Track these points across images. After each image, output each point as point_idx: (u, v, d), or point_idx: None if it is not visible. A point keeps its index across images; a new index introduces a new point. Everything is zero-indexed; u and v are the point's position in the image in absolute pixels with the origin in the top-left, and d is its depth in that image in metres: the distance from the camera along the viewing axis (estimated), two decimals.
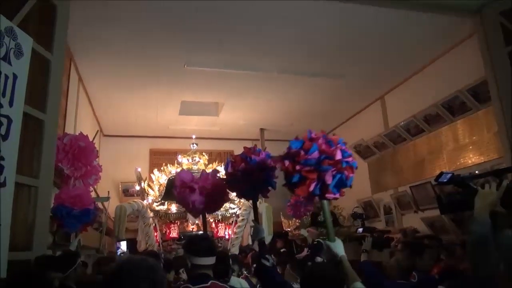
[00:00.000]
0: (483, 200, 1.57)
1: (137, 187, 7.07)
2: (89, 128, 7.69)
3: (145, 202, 6.32)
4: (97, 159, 4.09)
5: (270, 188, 2.81)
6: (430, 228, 5.61)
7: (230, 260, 4.22)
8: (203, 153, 7.21)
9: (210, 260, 2.28)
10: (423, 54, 5.59)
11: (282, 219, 8.12)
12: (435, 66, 5.73)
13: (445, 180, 1.75)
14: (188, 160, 7.04)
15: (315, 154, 2.25)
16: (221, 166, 6.96)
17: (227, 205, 6.61)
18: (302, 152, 2.27)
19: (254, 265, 4.64)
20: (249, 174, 2.68)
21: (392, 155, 6.81)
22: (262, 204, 6.49)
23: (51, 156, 2.97)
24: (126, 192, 8.43)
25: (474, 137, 5.04)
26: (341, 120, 8.44)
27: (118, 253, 3.27)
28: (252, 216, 6.42)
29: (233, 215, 6.67)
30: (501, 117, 4.20)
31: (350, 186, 2.42)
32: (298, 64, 5.72)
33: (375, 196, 7.22)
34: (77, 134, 4.03)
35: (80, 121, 6.21)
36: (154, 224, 6.39)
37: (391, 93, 6.82)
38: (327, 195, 2.24)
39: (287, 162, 2.28)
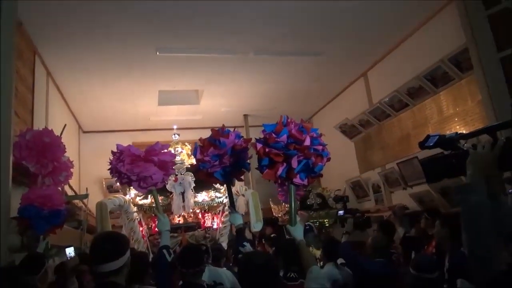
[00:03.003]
0: (476, 164, 1.30)
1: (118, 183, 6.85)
2: (67, 126, 7.44)
3: (127, 197, 6.12)
4: (66, 155, 3.87)
5: (244, 170, 2.67)
6: (420, 204, 5.51)
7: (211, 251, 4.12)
8: (185, 143, 7.01)
9: (111, 265, 1.81)
10: (402, 26, 5.42)
11: (272, 205, 8.00)
12: (415, 38, 5.56)
13: (431, 144, 1.48)
14: (170, 151, 6.82)
15: (284, 138, 2.17)
16: None
17: (212, 194, 6.45)
18: (273, 135, 2.17)
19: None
20: (219, 158, 2.53)
21: (377, 132, 6.68)
22: (247, 191, 6.34)
23: (6, 152, 2.78)
24: (111, 188, 8.23)
25: (458, 108, 4.92)
26: (325, 100, 8.27)
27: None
28: (241, 204, 6.33)
29: (220, 204, 6.50)
30: (483, 84, 4.08)
31: (319, 175, 2.33)
32: (274, 43, 5.51)
33: (364, 175, 7.12)
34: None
35: (55, 118, 5.97)
36: (139, 219, 6.20)
37: (374, 69, 6.65)
38: (294, 180, 2.16)
39: (259, 145, 2.18)
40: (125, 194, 6.26)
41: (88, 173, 8.01)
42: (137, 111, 7.71)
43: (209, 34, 5.09)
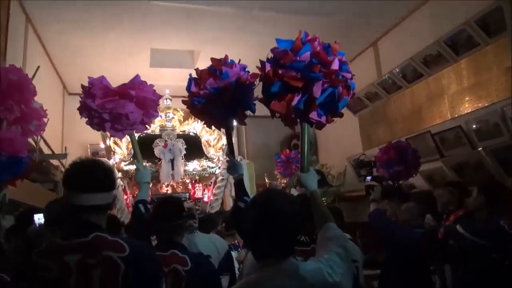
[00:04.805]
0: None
1: (102, 145, 6.35)
2: (51, 86, 6.88)
3: (111, 161, 5.62)
4: (35, 100, 3.32)
5: (247, 113, 2.18)
6: (429, 182, 5.09)
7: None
8: (178, 109, 6.48)
9: (97, 199, 1.42)
10: None
11: (267, 181, 7.55)
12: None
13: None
14: (161, 116, 6.31)
15: (306, 56, 1.64)
16: (197, 122, 6.30)
17: (204, 163, 5.99)
18: (290, 53, 1.66)
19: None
20: (219, 92, 2.02)
21: (385, 106, 6.20)
22: (242, 161, 5.88)
23: None
24: (96, 155, 7.66)
25: (481, 76, 4.43)
26: None
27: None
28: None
29: (212, 174, 6.03)
30: None
31: (340, 115, 1.85)
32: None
33: (367, 152, 6.66)
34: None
35: (39, 78, 5.39)
36: (123, 186, 5.73)
37: (386, 37, 6.14)
38: (310, 116, 1.65)
39: (268, 66, 1.65)
40: (109, 159, 5.78)
41: (72, 138, 7.44)
42: (127, 73, 6.96)
43: None
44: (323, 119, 1.72)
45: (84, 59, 6.51)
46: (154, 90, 2.50)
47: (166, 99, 6.56)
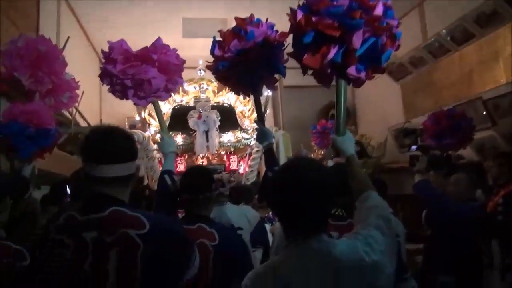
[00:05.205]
0: None
1: (137, 117, 6.38)
2: (86, 60, 6.94)
3: (147, 133, 5.63)
4: (66, 72, 3.29)
5: (277, 76, 1.99)
6: (478, 153, 4.71)
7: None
8: (211, 80, 6.35)
9: (115, 170, 1.28)
10: None
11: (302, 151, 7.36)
12: None
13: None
14: (195, 88, 6.23)
15: (345, 0, 1.41)
16: (232, 93, 6.15)
17: (239, 135, 5.88)
18: None
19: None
20: (245, 54, 1.84)
21: (431, 71, 5.76)
22: (278, 132, 5.71)
23: None
24: (134, 128, 7.67)
25: None
26: None
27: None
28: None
29: (247, 146, 5.92)
30: None
31: (382, 71, 1.63)
32: None
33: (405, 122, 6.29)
34: None
35: (75, 51, 5.43)
36: (159, 158, 5.74)
37: None
38: (348, 70, 1.44)
39: (300, 14, 1.44)
40: (144, 131, 5.80)
41: (109, 111, 7.55)
42: None
43: None
44: (363, 75, 1.50)
45: (116, 31, 6.47)
46: (178, 54, 2.36)
47: (200, 69, 6.45)
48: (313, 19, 1.38)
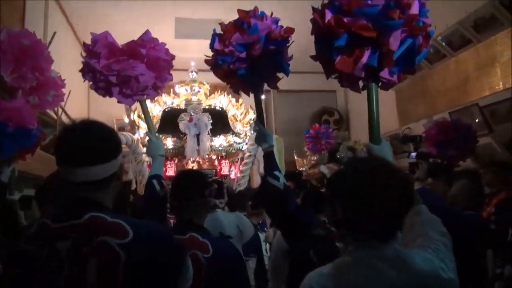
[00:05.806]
0: None
1: (126, 120, 6.20)
2: (74, 58, 6.72)
3: (135, 135, 5.46)
4: (52, 69, 3.11)
5: (280, 75, 1.86)
6: (475, 160, 4.64)
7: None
8: (204, 82, 6.21)
9: (92, 173, 1.12)
10: None
11: (296, 158, 7.26)
12: None
13: None
14: (186, 90, 6.09)
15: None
16: (224, 95, 6.03)
17: (231, 139, 5.74)
18: None
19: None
20: (246, 49, 1.70)
21: (426, 77, 5.72)
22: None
23: None
24: (122, 130, 7.51)
25: None
26: None
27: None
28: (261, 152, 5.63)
29: (239, 150, 5.79)
30: None
31: (412, 72, 1.53)
32: None
33: (404, 128, 6.24)
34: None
35: (56, 41, 5.25)
36: (148, 162, 5.56)
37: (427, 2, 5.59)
38: (381, 74, 1.35)
39: (329, 14, 1.32)
40: (133, 134, 5.63)
41: (98, 112, 7.33)
42: None
43: None
44: (395, 77, 1.41)
45: (107, 26, 6.32)
46: (167, 49, 2.20)
47: (192, 71, 6.32)
48: (345, 20, 1.28)
